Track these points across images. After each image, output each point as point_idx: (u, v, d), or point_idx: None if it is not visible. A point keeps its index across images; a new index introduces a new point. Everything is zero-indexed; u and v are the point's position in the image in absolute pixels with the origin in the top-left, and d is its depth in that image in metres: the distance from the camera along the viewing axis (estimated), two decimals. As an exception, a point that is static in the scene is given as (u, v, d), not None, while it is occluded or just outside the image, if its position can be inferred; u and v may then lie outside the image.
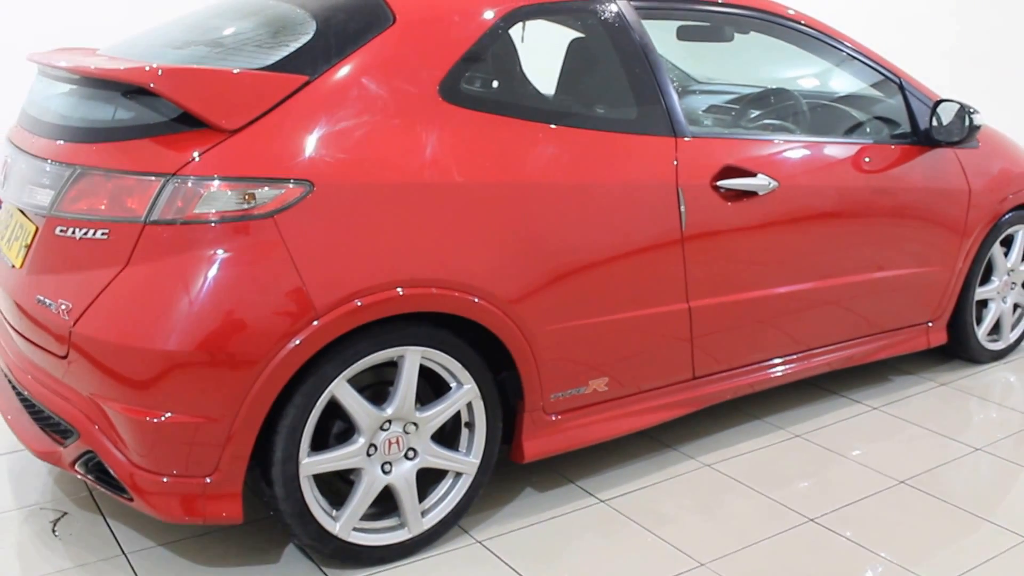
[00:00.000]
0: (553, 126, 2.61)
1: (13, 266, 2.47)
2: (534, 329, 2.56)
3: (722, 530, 2.73)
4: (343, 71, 2.37)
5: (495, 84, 2.68)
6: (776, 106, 3.57)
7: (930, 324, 3.71)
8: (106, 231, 2.23)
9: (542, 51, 3.19)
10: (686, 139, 2.83)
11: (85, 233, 2.26)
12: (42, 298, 2.32)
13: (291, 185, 2.22)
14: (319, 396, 2.31)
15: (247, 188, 2.19)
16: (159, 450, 2.21)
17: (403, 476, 2.49)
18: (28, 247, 2.42)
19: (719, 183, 2.87)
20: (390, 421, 2.44)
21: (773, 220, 3.01)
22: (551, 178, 2.56)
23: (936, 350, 3.92)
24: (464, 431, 2.61)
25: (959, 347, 3.89)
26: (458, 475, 2.61)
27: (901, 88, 3.44)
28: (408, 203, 2.35)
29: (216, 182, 2.18)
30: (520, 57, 2.86)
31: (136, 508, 2.31)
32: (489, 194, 2.46)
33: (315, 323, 2.22)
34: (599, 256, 2.65)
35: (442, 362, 2.48)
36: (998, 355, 4.04)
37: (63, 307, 2.26)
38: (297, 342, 2.21)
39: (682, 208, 2.79)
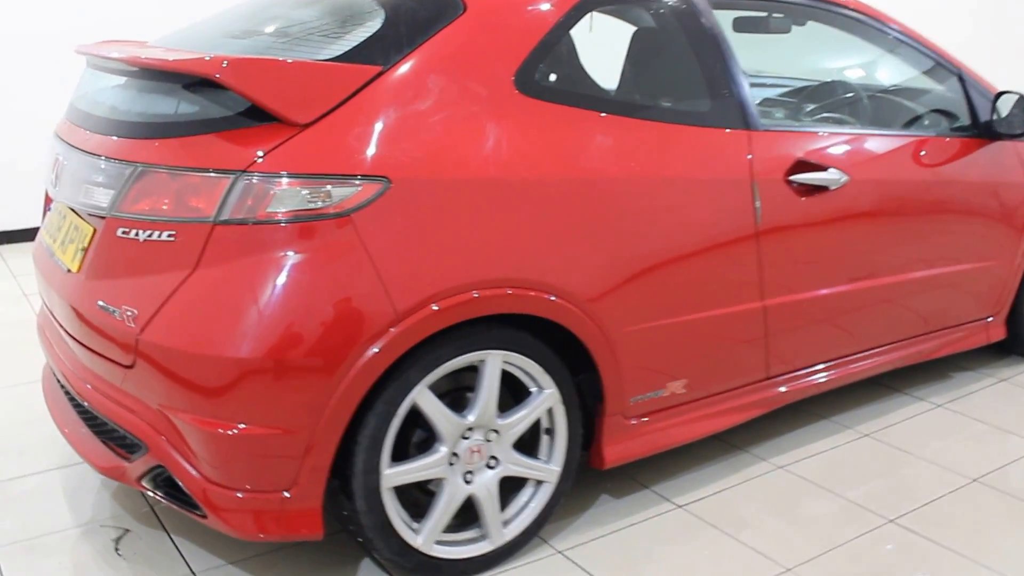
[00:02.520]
0: (628, 119, 2.37)
1: (69, 270, 2.23)
2: (614, 330, 2.32)
3: (803, 534, 2.49)
4: (415, 62, 2.12)
5: (568, 75, 2.44)
6: (837, 99, 3.33)
7: (989, 320, 3.47)
8: (172, 232, 1.99)
9: (600, 44, 2.96)
10: (759, 132, 2.59)
11: (149, 235, 2.01)
12: (104, 304, 2.07)
13: (367, 182, 1.98)
14: (401, 404, 2.06)
15: (322, 185, 1.95)
16: (234, 464, 1.97)
17: (485, 486, 2.24)
18: (85, 250, 2.18)
19: (792, 178, 2.63)
20: (471, 429, 2.20)
21: (844, 215, 2.77)
22: (628, 173, 2.32)
23: (992, 346, 3.67)
24: (544, 438, 2.36)
25: (1016, 342, 3.64)
26: (539, 483, 2.37)
27: (960, 80, 3.21)
28: (487, 199, 2.11)
29: (289, 179, 1.94)
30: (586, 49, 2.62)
31: (209, 525, 2.06)
32: (567, 189, 2.22)
33: (396, 327, 1.98)
34: (676, 254, 2.41)
35: (523, 366, 2.24)
36: (1054, 350, 3.79)
37: (128, 314, 2.01)
38: (378, 348, 1.97)
39: (757, 204, 2.55)
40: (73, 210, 2.29)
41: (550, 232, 2.19)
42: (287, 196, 1.93)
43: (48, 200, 2.60)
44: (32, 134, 5.29)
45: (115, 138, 2.14)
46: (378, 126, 2.03)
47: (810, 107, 3.34)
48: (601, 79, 2.63)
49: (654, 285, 2.38)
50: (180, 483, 2.04)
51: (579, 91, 2.39)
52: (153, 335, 1.97)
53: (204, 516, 2.04)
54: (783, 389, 2.82)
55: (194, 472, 2.01)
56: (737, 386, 2.71)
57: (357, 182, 1.97)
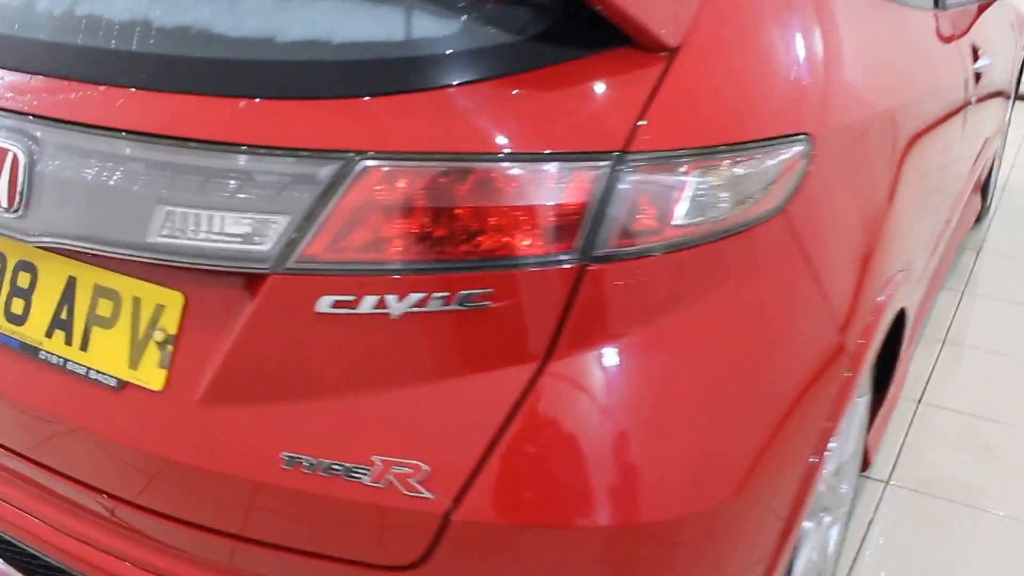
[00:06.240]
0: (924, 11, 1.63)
1: (121, 386, 1.03)
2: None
3: (1014, 481, 2.07)
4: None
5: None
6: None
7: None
8: (486, 293, 0.91)
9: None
10: (943, 13, 1.94)
11: (419, 303, 0.91)
12: (306, 458, 0.94)
13: (789, 146, 1.05)
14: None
15: (747, 161, 0.99)
16: None
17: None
18: (173, 344, 1.00)
19: (975, 67, 2.04)
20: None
21: (980, 98, 2.25)
22: (939, 78, 1.60)
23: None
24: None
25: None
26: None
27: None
28: (887, 140, 1.28)
29: (698, 159, 0.95)
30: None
31: None
32: (926, 110, 1.46)
33: (848, 372, 1.13)
34: (945, 175, 1.76)
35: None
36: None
37: (399, 472, 0.92)
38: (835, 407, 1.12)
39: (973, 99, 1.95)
40: (71, 256, 1.06)
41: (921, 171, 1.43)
42: (707, 193, 0.95)
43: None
44: None
45: (243, 100, 0.94)
46: (762, 42, 1.08)
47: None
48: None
49: (926, 221, 1.72)
50: None
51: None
52: (482, 507, 0.91)
53: None
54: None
55: None
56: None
57: (778, 150, 1.03)
